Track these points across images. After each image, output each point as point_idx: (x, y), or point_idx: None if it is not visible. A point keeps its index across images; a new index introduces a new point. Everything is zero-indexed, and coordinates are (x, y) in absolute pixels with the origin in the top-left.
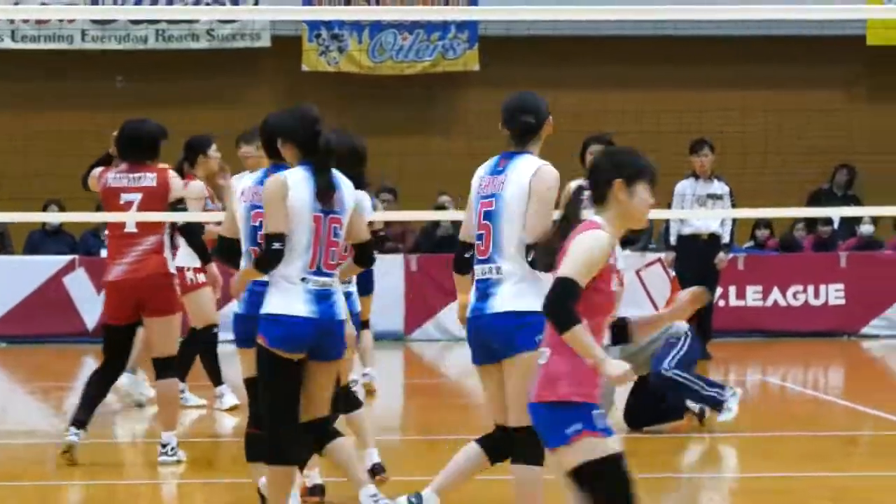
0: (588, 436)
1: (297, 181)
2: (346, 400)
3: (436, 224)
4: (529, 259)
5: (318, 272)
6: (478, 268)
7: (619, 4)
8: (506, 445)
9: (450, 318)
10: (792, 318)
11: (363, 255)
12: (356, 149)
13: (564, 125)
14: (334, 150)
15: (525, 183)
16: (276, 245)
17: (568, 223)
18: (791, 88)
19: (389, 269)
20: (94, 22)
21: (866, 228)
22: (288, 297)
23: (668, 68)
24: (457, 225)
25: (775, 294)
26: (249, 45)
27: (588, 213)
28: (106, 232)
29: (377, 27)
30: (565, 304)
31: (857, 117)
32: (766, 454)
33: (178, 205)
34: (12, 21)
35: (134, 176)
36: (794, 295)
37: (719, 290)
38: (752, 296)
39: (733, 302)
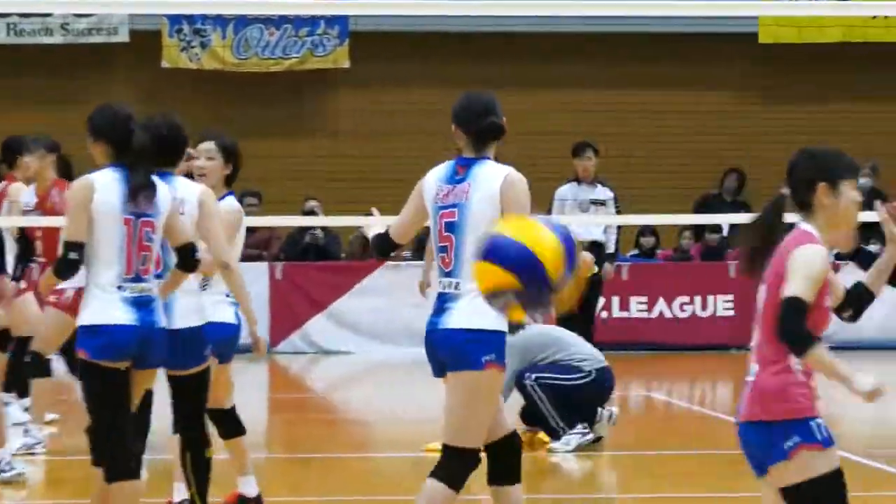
0: (807, 449)
1: (106, 183)
2: (229, 424)
3: (303, 230)
4: None
5: (136, 279)
6: (441, 280)
7: None
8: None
9: (317, 329)
10: (678, 330)
11: (184, 259)
12: (228, 147)
13: (443, 126)
14: (148, 149)
15: (495, 191)
16: (72, 255)
17: (772, 234)
18: (679, 88)
19: (254, 278)
20: None
21: None
22: (105, 306)
23: (553, 67)
24: (329, 232)
25: (661, 305)
26: (106, 40)
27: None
28: None
29: (242, 21)
30: (800, 325)
31: (748, 119)
32: (650, 473)
33: None
34: None
35: None
36: (681, 306)
37: (602, 301)
38: (637, 307)
39: (617, 313)
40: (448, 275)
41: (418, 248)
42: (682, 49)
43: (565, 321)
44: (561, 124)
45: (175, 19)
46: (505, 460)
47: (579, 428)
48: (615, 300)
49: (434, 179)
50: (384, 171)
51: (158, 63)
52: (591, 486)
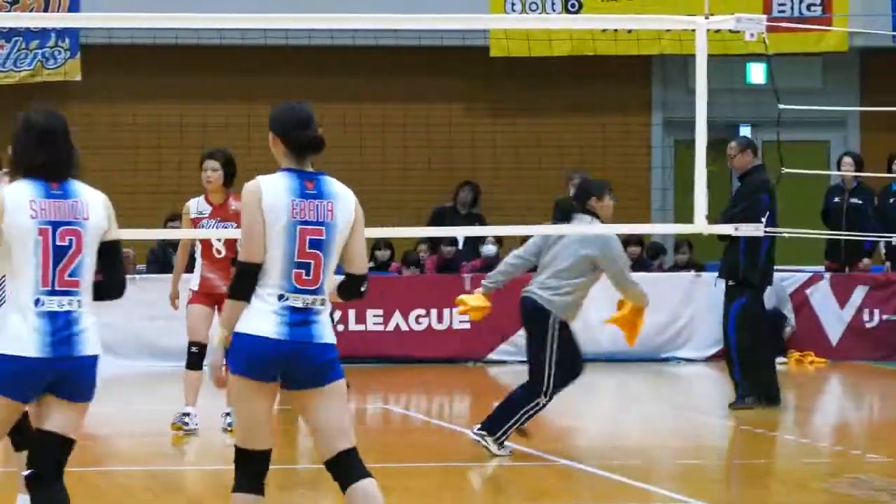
0: None
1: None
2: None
3: None
4: (343, 288)
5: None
6: (299, 296)
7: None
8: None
9: None
10: (414, 342)
11: None
12: None
13: (177, 139)
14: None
15: (352, 213)
16: None
17: None
18: (411, 101)
19: None
20: None
21: (488, 249)
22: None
23: (283, 79)
24: None
25: (397, 318)
26: None
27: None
28: None
29: None
30: None
31: (479, 132)
32: (387, 487)
33: None
34: None
35: None
36: (417, 319)
37: (338, 314)
38: (373, 319)
39: (353, 326)
40: (313, 292)
41: (153, 262)
42: (412, 62)
43: None
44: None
45: None
46: (350, 464)
47: None
48: (351, 313)
49: (282, 191)
50: (114, 184)
51: None
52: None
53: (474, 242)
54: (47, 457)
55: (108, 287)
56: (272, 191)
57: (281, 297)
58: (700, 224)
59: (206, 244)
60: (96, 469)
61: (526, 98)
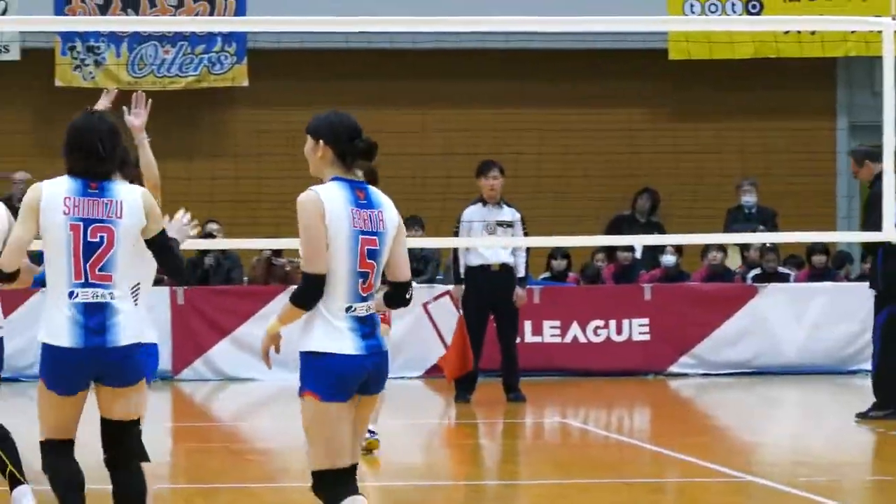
0: None
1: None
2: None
3: (203, 254)
4: (389, 297)
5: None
6: (360, 305)
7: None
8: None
9: (220, 355)
10: (593, 355)
11: None
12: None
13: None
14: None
15: (396, 218)
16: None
17: None
18: (589, 106)
19: (154, 303)
20: None
21: (668, 259)
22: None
23: (454, 84)
24: (229, 255)
25: (574, 329)
26: None
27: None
28: None
29: (136, 39)
30: None
31: (660, 138)
32: (566, 502)
33: None
34: None
35: None
36: (595, 330)
37: None
38: (550, 331)
39: (529, 338)
40: (365, 299)
41: None
42: (592, 66)
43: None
44: (469, 143)
45: (68, 36)
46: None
47: None
48: (528, 325)
49: (342, 202)
50: (284, 191)
51: (52, 82)
52: None
53: (653, 252)
54: (114, 443)
55: (170, 274)
56: (332, 201)
57: (348, 309)
58: (889, 232)
59: None
60: (267, 485)
61: (707, 102)
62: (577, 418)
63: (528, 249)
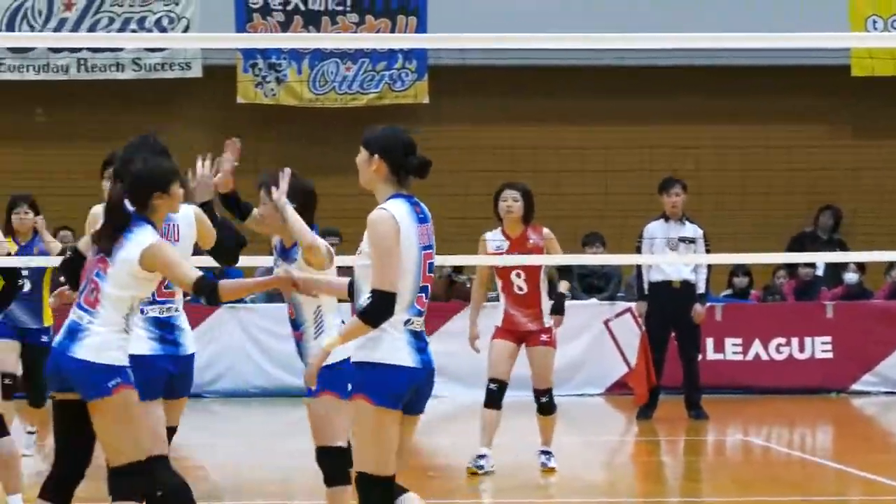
0: None
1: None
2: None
3: None
4: None
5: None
6: (419, 319)
7: (578, 31)
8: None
9: None
10: (775, 373)
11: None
12: (307, 190)
13: (522, 162)
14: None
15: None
16: None
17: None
18: (771, 122)
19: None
20: (11, 50)
21: (851, 276)
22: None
23: (636, 101)
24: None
25: (756, 347)
26: (179, 76)
27: None
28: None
29: (318, 56)
30: None
31: (841, 154)
32: None
33: None
34: None
35: None
36: (778, 348)
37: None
38: (731, 349)
39: (711, 356)
40: (421, 313)
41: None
42: (773, 82)
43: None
44: (648, 160)
45: (249, 54)
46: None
47: None
48: (710, 342)
49: (409, 219)
50: (466, 208)
51: (233, 98)
52: None
53: (835, 269)
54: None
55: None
56: (403, 219)
57: (407, 322)
58: None
59: (507, 281)
60: (449, 502)
61: (889, 118)
62: (759, 436)
63: (709, 266)
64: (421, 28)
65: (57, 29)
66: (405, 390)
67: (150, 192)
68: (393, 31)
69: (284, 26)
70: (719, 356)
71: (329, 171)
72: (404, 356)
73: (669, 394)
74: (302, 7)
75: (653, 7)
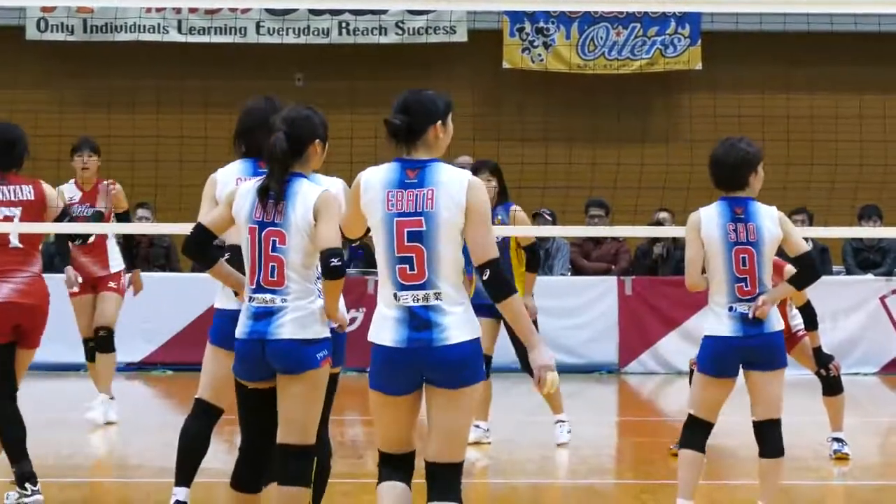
0: None
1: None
2: None
3: (653, 242)
4: (485, 284)
5: (259, 289)
6: (408, 293)
7: None
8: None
9: (669, 348)
10: None
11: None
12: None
13: (796, 131)
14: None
15: (462, 196)
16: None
17: None
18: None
19: (602, 293)
20: (270, 12)
21: None
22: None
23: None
24: (678, 244)
25: None
26: (444, 40)
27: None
28: None
29: (587, 20)
30: None
31: None
32: None
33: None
34: (178, 10)
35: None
36: None
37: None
38: None
39: None
40: (421, 286)
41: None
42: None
43: None
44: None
45: (517, 17)
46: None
47: None
48: None
49: (380, 185)
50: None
51: (499, 64)
52: None
53: None
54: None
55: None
56: (369, 184)
57: (395, 297)
58: None
59: None
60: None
61: None
62: None
63: None
64: None
65: None
66: (382, 369)
67: (312, 139)
68: None
69: None
70: None
71: (598, 139)
72: (386, 335)
73: None
74: None
75: None
